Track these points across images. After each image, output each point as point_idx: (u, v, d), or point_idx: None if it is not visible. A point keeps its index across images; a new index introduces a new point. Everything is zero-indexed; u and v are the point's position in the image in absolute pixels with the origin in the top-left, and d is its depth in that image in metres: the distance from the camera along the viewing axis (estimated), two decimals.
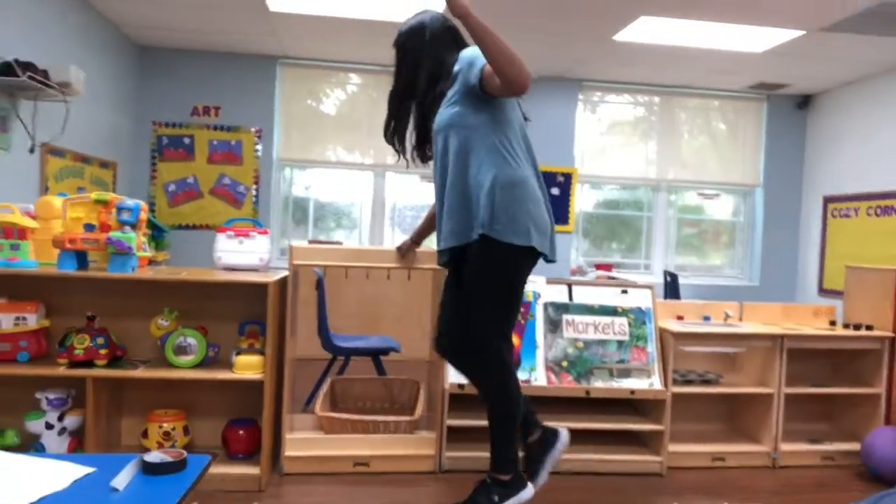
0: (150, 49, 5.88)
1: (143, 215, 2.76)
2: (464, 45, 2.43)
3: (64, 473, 1.39)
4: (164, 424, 2.80)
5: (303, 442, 2.92)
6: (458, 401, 2.99)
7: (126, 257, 2.69)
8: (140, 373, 2.65)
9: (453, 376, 2.96)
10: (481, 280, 2.28)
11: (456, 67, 2.34)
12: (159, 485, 1.40)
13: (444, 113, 2.37)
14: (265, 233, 3.10)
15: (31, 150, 3.96)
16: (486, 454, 2.41)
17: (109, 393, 2.80)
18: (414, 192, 6.46)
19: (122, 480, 1.36)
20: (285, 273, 2.96)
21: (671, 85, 6.52)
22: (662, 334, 3.22)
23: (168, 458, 1.47)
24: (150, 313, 2.84)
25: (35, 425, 2.68)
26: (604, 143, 6.65)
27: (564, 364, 3.10)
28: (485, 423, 2.42)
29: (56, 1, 4.33)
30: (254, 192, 6.09)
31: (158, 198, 5.92)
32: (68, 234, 2.66)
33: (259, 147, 6.09)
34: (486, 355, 2.32)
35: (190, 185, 6.01)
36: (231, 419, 2.92)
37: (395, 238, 6.42)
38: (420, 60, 2.44)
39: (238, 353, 2.75)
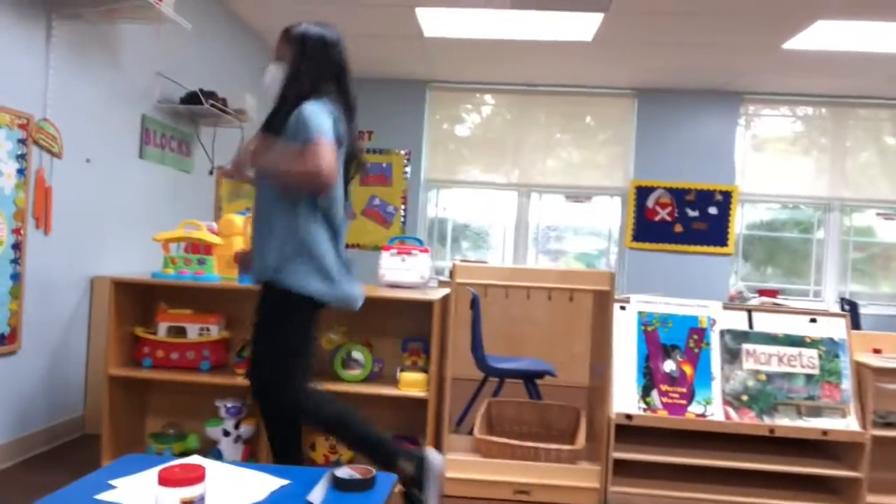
0: None
1: None
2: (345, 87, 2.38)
3: (262, 484, 1.41)
4: (331, 438, 2.84)
5: (462, 464, 2.86)
6: (624, 432, 2.82)
7: None
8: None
9: (619, 405, 2.79)
10: None
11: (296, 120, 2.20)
12: (352, 501, 1.38)
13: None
14: (426, 251, 3.11)
15: (210, 173, 4.27)
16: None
17: None
18: (558, 212, 6.33)
19: (317, 495, 1.35)
20: (445, 291, 2.95)
21: (843, 95, 5.94)
22: (859, 369, 2.86)
23: (357, 475, 1.45)
24: (320, 327, 2.92)
25: (214, 431, 2.82)
26: (764, 160, 6.18)
27: (744, 398, 2.83)
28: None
29: (232, 34, 4.68)
30: (402, 213, 6.24)
31: None
32: (249, 250, 2.79)
33: (408, 169, 6.23)
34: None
35: (345, 206, 6.24)
36: (392, 436, 2.92)
37: (538, 259, 6.31)
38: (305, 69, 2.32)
39: (402, 370, 2.75)
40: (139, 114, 3.59)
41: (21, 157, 2.83)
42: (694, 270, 5.99)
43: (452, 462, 2.86)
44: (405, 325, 2.94)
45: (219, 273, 2.91)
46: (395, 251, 3.11)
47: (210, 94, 3.80)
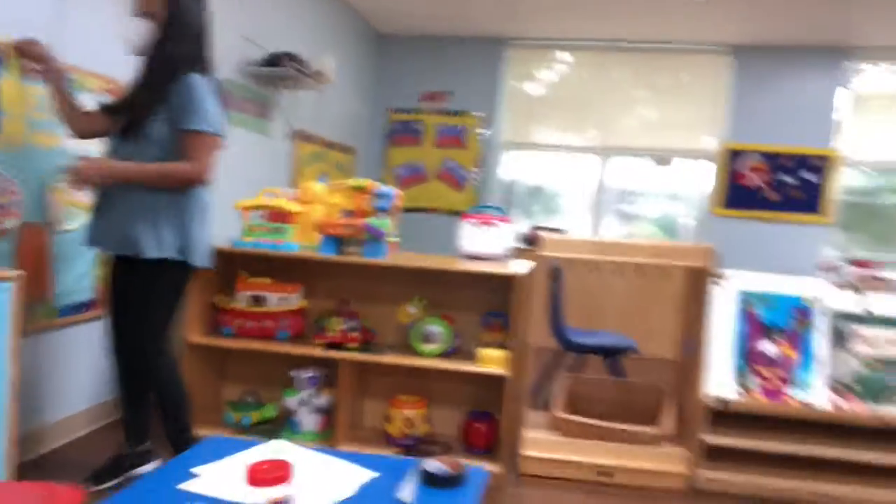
0: (387, 36, 6.10)
1: (398, 202, 2.78)
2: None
3: (351, 477, 1.35)
4: (406, 411, 2.81)
5: (542, 443, 2.78)
6: (715, 415, 2.66)
7: (380, 243, 2.72)
8: (388, 358, 2.67)
9: (713, 387, 2.62)
10: None
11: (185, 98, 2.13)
12: (443, 499, 1.31)
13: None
14: (508, 221, 2.99)
15: (288, 137, 4.24)
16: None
17: (357, 375, 2.87)
18: (639, 175, 6.03)
19: (408, 493, 1.28)
20: (526, 263, 2.83)
21: None
22: None
23: (448, 469, 1.38)
24: (397, 299, 2.86)
25: (291, 401, 2.82)
26: (868, 122, 5.67)
27: (855, 386, 2.61)
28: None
29: None
30: (475, 176, 6.10)
31: (388, 181, 6.15)
32: (330, 220, 2.75)
33: (483, 131, 6.06)
34: None
35: (417, 169, 6.17)
36: (469, 411, 2.86)
37: (614, 225, 6.06)
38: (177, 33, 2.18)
39: (481, 346, 2.67)
40: (221, 78, 3.56)
41: None
42: (786, 240, 5.62)
43: (533, 441, 2.78)
44: (485, 298, 2.84)
45: (298, 241, 2.88)
46: (475, 221, 2.99)
47: (291, 56, 3.73)
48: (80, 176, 2.09)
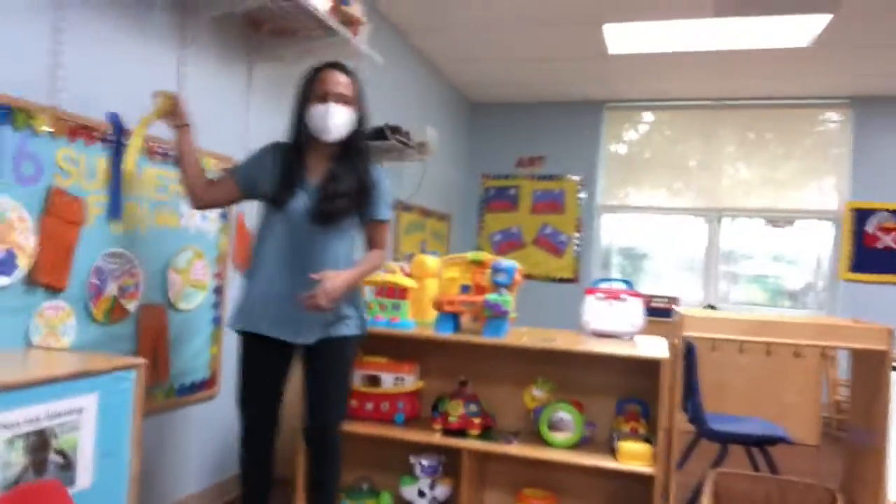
0: (480, 105, 6.08)
1: (518, 277, 2.59)
2: None
3: None
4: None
5: None
6: None
7: (501, 321, 2.53)
8: (516, 449, 2.43)
9: None
10: None
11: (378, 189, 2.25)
12: None
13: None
14: (638, 296, 2.74)
15: (392, 208, 4.18)
16: None
17: (478, 463, 2.64)
18: (752, 237, 5.63)
19: None
20: (662, 343, 2.56)
21: None
22: None
23: None
24: (519, 379, 2.65)
25: (409, 491, 2.62)
26: None
27: None
28: None
29: (411, 67, 4.61)
30: (576, 241, 5.87)
31: (485, 248, 6.00)
32: (448, 297, 2.59)
33: (582, 195, 5.87)
34: None
35: (514, 235, 6.01)
36: None
37: (733, 288, 5.64)
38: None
39: (620, 438, 2.39)
40: None
41: None
42: None
43: None
44: (619, 381, 2.58)
45: (413, 318, 2.73)
46: (601, 295, 2.76)
47: (395, 129, 3.69)
48: (328, 296, 2.02)
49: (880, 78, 4.87)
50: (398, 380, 2.69)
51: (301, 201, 2.13)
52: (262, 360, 2.20)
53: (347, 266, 2.15)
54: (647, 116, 5.87)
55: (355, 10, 2.92)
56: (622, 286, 2.77)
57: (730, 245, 5.65)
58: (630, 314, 2.71)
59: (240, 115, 2.90)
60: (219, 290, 2.82)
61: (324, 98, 2.11)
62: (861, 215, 5.23)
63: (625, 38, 4.32)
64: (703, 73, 4.98)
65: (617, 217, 5.95)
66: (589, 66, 4.92)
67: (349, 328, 2.21)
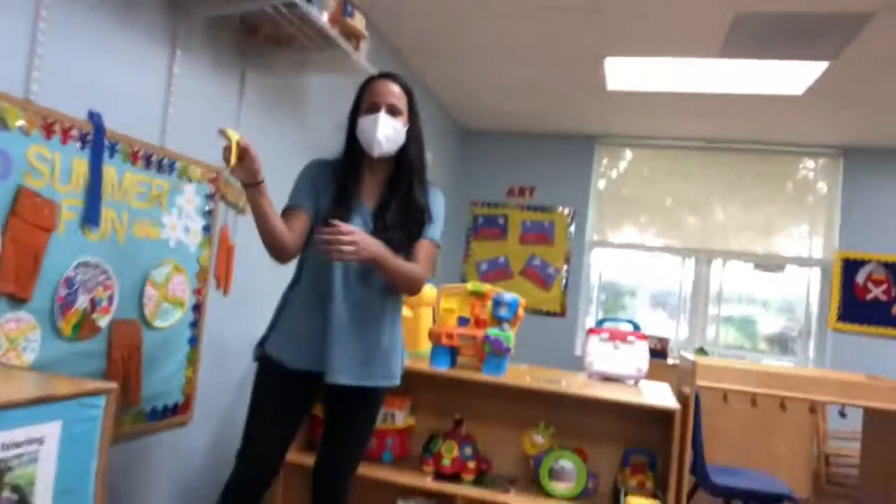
0: (472, 132, 5.98)
1: (521, 312, 2.44)
2: None
3: None
4: None
5: None
6: None
7: (501, 358, 2.37)
8: (513, 498, 2.25)
9: None
10: None
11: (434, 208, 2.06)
12: None
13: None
14: (644, 338, 2.60)
15: None
16: None
17: None
18: (739, 281, 5.56)
19: None
20: (666, 388, 2.42)
21: None
22: None
23: None
24: (517, 422, 2.49)
25: None
26: None
27: None
28: None
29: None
30: (564, 275, 5.75)
31: (470, 276, 5.85)
32: (445, 329, 2.43)
33: (572, 228, 5.77)
34: None
35: (501, 265, 5.87)
36: None
37: (720, 332, 5.56)
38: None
39: (627, 493, 2.23)
40: None
41: (207, 214, 2.64)
42: None
43: None
44: (625, 429, 2.43)
45: (406, 348, 2.55)
46: (605, 335, 2.62)
47: None
48: (356, 244, 1.73)
49: (871, 129, 4.88)
50: (388, 416, 2.50)
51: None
52: (288, 395, 2.01)
53: (396, 303, 2.02)
54: (638, 154, 5.82)
55: (358, 22, 2.77)
56: (629, 327, 2.64)
57: (718, 288, 5.58)
58: (636, 357, 2.58)
59: (230, 124, 2.71)
60: (197, 308, 2.61)
61: (373, 108, 1.95)
62: (851, 265, 5.20)
63: (625, 74, 4.26)
64: (696, 114, 4.94)
65: (605, 252, 5.85)
66: (586, 100, 4.85)
67: (396, 378, 2.08)
